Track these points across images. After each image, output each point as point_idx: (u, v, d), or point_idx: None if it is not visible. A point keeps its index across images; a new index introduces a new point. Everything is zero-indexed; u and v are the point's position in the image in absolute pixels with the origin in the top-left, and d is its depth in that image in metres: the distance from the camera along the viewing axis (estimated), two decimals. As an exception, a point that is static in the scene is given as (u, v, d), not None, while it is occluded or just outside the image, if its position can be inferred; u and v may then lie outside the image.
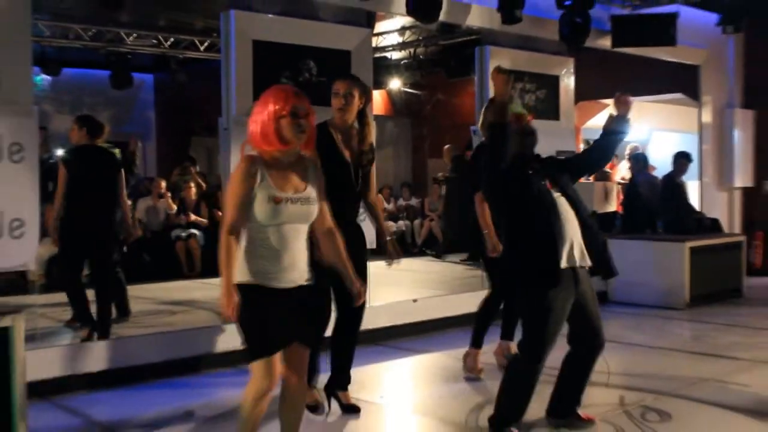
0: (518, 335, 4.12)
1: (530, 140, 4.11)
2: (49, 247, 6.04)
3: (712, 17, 9.55)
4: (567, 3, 7.58)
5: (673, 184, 8.72)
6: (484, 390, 4.96)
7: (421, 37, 11.87)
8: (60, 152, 7.30)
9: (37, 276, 5.86)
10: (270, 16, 6.02)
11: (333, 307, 4.35)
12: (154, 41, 11.79)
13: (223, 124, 5.85)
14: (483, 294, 5.44)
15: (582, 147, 10.83)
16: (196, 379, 5.43)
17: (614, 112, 4.16)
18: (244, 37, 5.82)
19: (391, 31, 11.67)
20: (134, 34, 11.51)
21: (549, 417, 4.18)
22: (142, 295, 7.66)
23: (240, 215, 3.07)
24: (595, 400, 4.52)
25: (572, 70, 8.48)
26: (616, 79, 9.85)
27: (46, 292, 6.19)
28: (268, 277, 3.09)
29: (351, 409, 4.52)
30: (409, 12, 6.67)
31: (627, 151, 10.70)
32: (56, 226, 5.78)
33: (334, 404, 4.54)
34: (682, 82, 10.55)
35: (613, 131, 4.11)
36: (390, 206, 12.83)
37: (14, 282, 6.60)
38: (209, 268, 9.01)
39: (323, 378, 4.55)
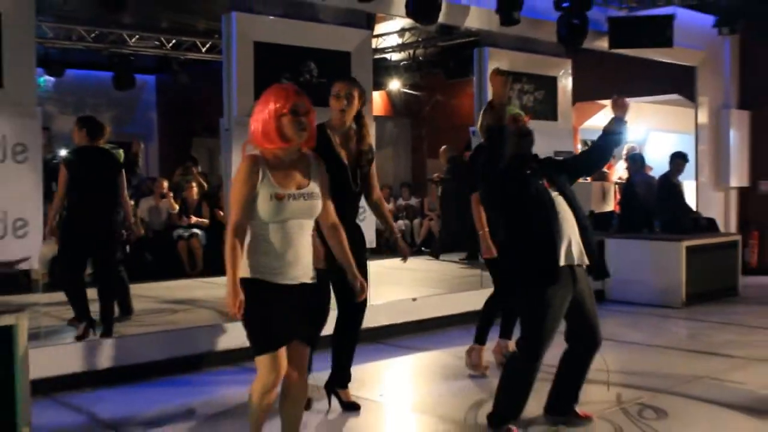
0: (516, 334, 4.17)
1: (527, 141, 4.14)
2: (53, 247, 6.08)
3: (709, 19, 9.61)
4: (565, 5, 7.63)
5: (669, 184, 8.76)
6: (483, 387, 4.99)
7: (420, 39, 11.90)
8: (63, 153, 7.34)
9: (41, 275, 5.88)
10: (271, 18, 6.07)
11: (332, 306, 4.40)
12: (157, 43, 11.82)
13: (225, 125, 5.89)
14: (482, 292, 5.49)
15: (579, 147, 10.91)
16: (197, 377, 5.46)
17: (612, 115, 4.22)
18: (246, 38, 5.86)
19: (391, 32, 11.68)
20: (137, 36, 11.53)
21: (547, 414, 4.22)
22: (144, 293, 7.69)
23: (245, 215, 3.11)
24: (593, 397, 4.54)
25: (570, 71, 8.52)
26: (614, 80, 9.89)
27: (50, 290, 6.22)
28: (273, 272, 3.12)
29: (351, 407, 4.55)
30: (409, 14, 6.71)
31: (624, 152, 10.69)
32: (55, 226, 5.82)
33: (335, 402, 4.57)
34: (678, 83, 10.61)
35: (612, 132, 4.17)
36: (390, 206, 12.86)
37: (16, 279, 6.62)
38: (211, 267, 9.08)
39: (324, 376, 4.59)
